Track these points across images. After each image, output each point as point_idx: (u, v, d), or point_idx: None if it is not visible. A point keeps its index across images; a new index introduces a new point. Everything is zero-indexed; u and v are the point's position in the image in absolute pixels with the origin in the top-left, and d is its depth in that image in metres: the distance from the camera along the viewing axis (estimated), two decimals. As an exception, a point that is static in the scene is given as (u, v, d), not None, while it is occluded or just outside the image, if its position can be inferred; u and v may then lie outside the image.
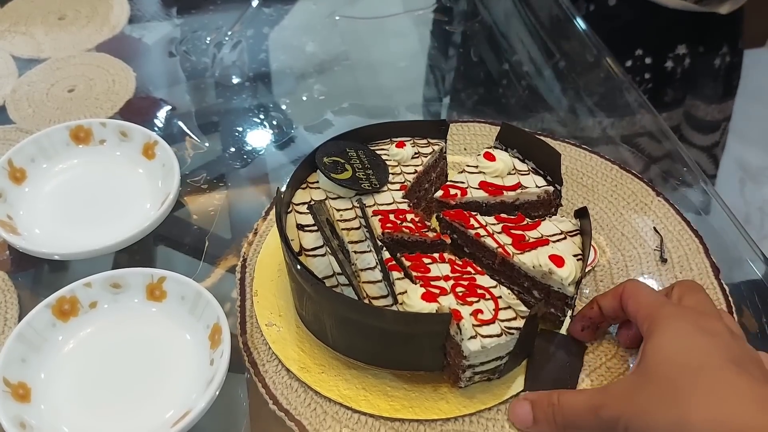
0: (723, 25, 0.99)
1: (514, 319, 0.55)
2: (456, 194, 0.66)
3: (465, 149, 0.81)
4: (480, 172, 0.67)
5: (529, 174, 0.67)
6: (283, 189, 0.64)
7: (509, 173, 0.67)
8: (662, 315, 0.54)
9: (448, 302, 0.55)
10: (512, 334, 0.54)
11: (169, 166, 0.75)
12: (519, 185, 0.66)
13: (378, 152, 0.70)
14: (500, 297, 0.57)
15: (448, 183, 0.67)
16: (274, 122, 0.90)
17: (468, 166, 0.68)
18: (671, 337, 0.52)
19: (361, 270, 0.60)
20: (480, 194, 0.66)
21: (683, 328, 0.52)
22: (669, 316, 0.53)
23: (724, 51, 1.02)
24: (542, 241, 0.61)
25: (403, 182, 0.67)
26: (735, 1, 0.97)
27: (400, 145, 0.70)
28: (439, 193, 0.66)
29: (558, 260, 0.58)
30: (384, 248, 0.60)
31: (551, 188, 0.66)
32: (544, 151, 0.67)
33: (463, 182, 0.67)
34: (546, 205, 0.67)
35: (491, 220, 0.64)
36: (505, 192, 0.66)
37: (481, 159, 0.68)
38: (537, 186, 0.66)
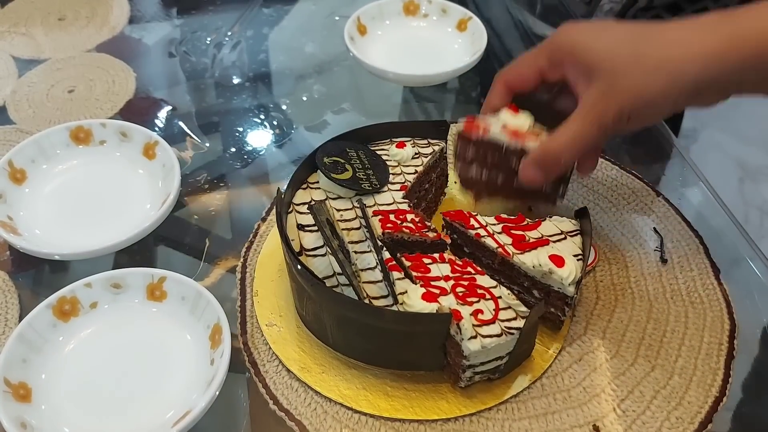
0: None
1: (514, 319, 0.55)
2: (479, 128, 0.62)
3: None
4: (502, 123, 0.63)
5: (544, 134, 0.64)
6: (284, 189, 0.64)
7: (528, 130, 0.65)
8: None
9: (448, 302, 0.56)
10: (512, 334, 0.54)
11: (170, 167, 0.75)
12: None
13: (378, 152, 0.70)
14: (500, 297, 0.57)
15: (472, 116, 0.64)
16: (275, 122, 0.90)
17: (491, 117, 0.64)
18: (596, 37, 0.57)
19: (362, 270, 0.60)
20: (502, 136, 0.62)
21: (595, 29, 0.58)
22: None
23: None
24: (542, 241, 0.61)
25: (404, 182, 0.67)
26: None
27: (401, 145, 0.70)
28: (461, 126, 0.63)
29: (558, 260, 0.58)
30: (384, 248, 0.61)
31: None
32: (557, 119, 0.64)
33: (487, 122, 0.63)
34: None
35: (491, 220, 0.64)
36: (526, 141, 0.62)
37: (504, 111, 0.64)
38: None
